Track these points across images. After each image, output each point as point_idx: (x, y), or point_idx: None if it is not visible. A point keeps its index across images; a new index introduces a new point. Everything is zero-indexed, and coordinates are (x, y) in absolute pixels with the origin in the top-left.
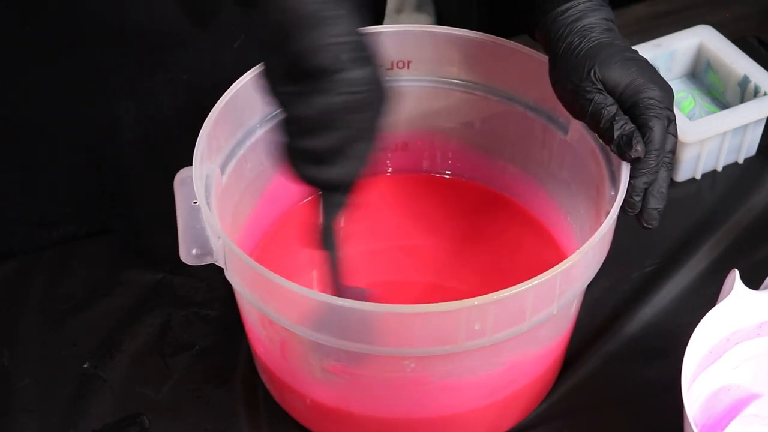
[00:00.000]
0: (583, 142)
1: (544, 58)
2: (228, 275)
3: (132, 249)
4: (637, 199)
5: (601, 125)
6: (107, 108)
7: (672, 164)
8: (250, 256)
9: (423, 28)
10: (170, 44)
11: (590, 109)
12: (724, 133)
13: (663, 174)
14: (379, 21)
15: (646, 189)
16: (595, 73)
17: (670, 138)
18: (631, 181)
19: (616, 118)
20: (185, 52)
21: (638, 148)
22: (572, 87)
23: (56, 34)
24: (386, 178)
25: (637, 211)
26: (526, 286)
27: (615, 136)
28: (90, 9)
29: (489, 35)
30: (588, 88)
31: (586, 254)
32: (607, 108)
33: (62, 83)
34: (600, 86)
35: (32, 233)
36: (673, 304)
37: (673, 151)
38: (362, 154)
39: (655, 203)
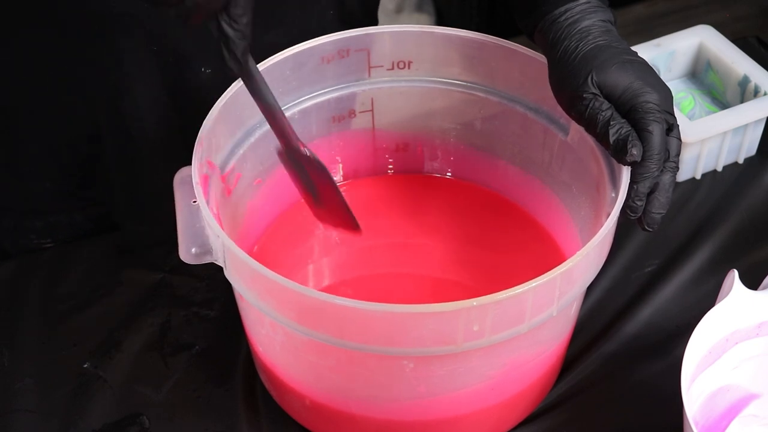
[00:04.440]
0: (583, 143)
1: (545, 59)
2: (227, 274)
3: (130, 248)
4: (639, 203)
5: (598, 130)
6: (100, 107)
7: (677, 169)
8: (250, 255)
9: (423, 28)
10: (168, 42)
11: (587, 113)
12: (724, 133)
13: (667, 179)
14: (372, 22)
15: (649, 193)
16: (592, 77)
17: (674, 141)
18: (634, 186)
19: (611, 122)
20: (185, 50)
21: (634, 152)
22: (570, 91)
23: (46, 25)
24: (387, 179)
25: (639, 215)
26: (526, 288)
27: (611, 141)
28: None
29: (489, 35)
30: (585, 94)
31: (586, 256)
32: (603, 113)
33: (54, 81)
34: (596, 91)
35: (18, 222)
36: (673, 305)
37: (678, 155)
38: None
39: (659, 208)
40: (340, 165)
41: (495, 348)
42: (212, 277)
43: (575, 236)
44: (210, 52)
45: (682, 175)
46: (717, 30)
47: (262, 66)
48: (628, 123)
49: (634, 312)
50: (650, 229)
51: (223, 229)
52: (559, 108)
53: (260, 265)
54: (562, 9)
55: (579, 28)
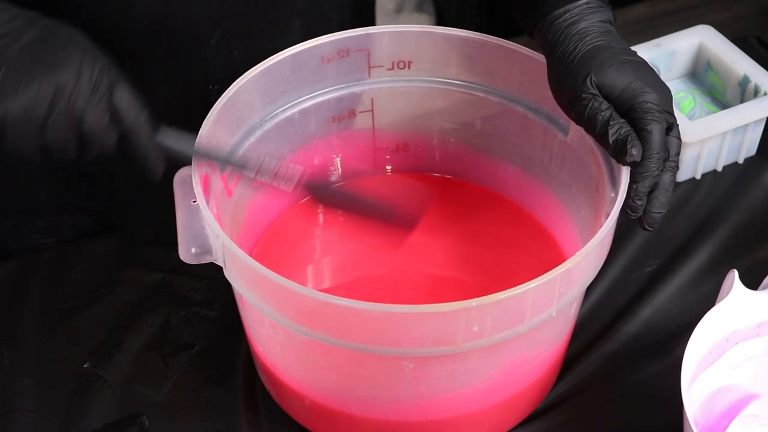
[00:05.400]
0: (583, 143)
1: (545, 59)
2: (227, 274)
3: (130, 248)
4: (639, 203)
5: (597, 130)
6: None
7: (677, 169)
8: (249, 255)
9: (423, 28)
10: (167, 43)
11: (586, 114)
12: (724, 133)
13: (667, 178)
14: (370, 22)
15: (649, 193)
16: (590, 78)
17: (673, 141)
18: (633, 185)
19: (611, 122)
20: (183, 51)
21: (633, 152)
22: (569, 92)
23: None
24: (386, 178)
25: (639, 214)
26: (525, 288)
27: (610, 141)
28: (89, 8)
29: (489, 35)
30: (584, 95)
31: (586, 256)
32: (602, 113)
33: None
34: (595, 92)
35: (20, 222)
36: (673, 305)
37: (678, 155)
38: None
39: (659, 207)
40: (340, 165)
41: (495, 348)
42: (212, 277)
43: (575, 236)
44: (219, 69)
45: (682, 175)
46: (717, 30)
47: (262, 66)
48: (628, 123)
49: (634, 312)
50: (650, 229)
51: (223, 229)
52: (559, 108)
53: (260, 265)
54: (562, 10)
55: (578, 29)
